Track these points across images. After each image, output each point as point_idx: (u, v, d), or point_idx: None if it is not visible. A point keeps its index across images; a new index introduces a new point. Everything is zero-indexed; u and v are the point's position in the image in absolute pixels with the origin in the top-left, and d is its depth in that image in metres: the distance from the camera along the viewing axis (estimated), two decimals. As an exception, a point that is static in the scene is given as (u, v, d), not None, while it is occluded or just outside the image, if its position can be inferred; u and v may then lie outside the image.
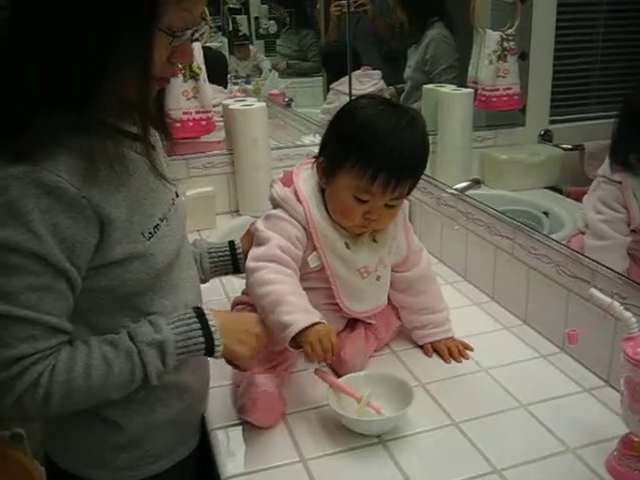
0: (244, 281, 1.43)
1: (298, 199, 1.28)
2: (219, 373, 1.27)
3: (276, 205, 1.30)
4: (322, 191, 1.29)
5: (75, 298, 0.97)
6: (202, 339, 1.05)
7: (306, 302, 1.20)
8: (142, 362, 0.99)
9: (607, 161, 1.40)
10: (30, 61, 0.90)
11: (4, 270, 0.90)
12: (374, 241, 1.32)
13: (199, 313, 1.07)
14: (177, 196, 1.14)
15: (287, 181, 1.32)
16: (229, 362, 1.15)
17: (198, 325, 1.05)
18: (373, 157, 1.19)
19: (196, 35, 1.04)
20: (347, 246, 1.29)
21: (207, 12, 2.08)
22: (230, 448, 1.16)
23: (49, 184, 0.89)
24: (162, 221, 1.05)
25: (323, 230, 1.27)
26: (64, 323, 0.96)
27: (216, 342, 1.06)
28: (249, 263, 1.25)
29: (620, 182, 1.38)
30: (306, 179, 1.31)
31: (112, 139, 0.95)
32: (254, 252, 1.26)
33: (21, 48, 0.90)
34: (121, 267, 0.99)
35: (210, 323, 1.06)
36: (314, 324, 1.15)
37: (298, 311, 1.17)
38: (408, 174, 1.22)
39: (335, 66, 2.74)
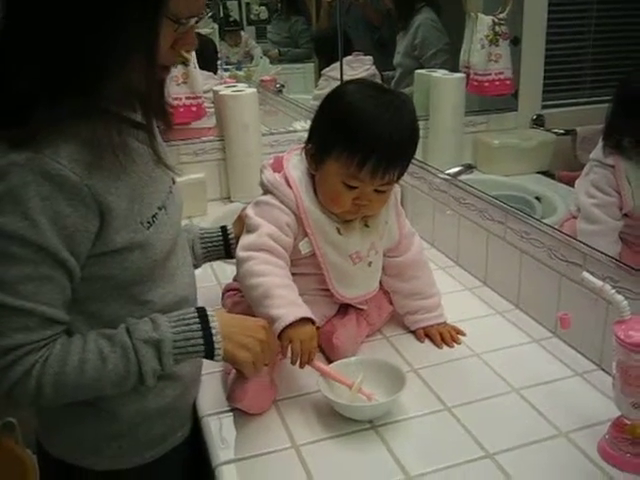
0: (235, 267, 1.43)
1: (288, 185, 1.27)
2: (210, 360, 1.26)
3: (266, 191, 1.29)
4: (312, 177, 1.28)
5: (73, 288, 0.97)
6: (201, 341, 1.03)
7: (295, 295, 1.20)
8: (137, 360, 0.98)
9: (600, 145, 1.40)
10: (35, 48, 0.89)
11: (2, 258, 0.89)
12: (366, 226, 1.31)
13: (202, 314, 1.05)
14: (174, 183, 1.13)
15: (277, 166, 1.31)
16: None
17: (199, 326, 1.03)
18: (361, 143, 1.18)
19: (201, 22, 1.03)
20: (338, 231, 1.28)
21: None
22: (222, 435, 1.15)
23: (51, 171, 0.88)
24: (161, 210, 1.04)
25: (314, 216, 1.26)
26: (60, 314, 0.95)
27: (216, 345, 1.04)
28: (239, 252, 1.24)
29: (613, 166, 1.38)
30: (296, 164, 1.30)
31: (115, 127, 0.94)
32: (244, 240, 1.25)
33: (25, 35, 0.89)
34: (120, 256, 0.99)
35: (211, 325, 1.04)
36: (302, 321, 1.14)
37: (286, 305, 1.16)
38: (397, 159, 1.21)
39: (327, 52, 2.73)
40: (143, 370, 0.98)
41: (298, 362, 1.16)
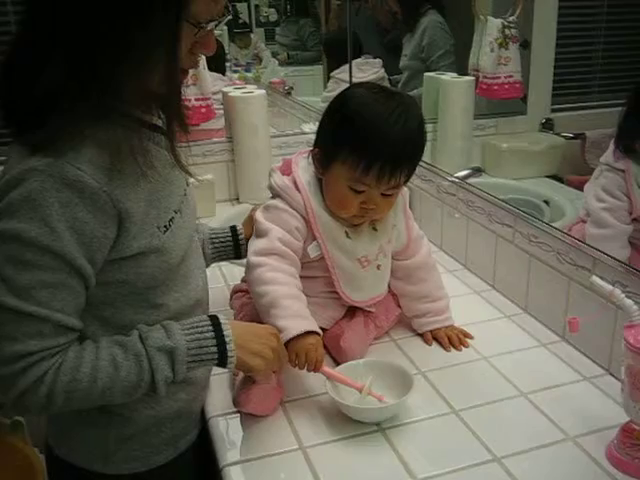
0: (244, 269, 1.43)
1: (297, 188, 1.27)
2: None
3: (275, 194, 1.29)
4: (321, 180, 1.28)
5: (87, 294, 0.96)
6: (215, 349, 1.03)
7: (302, 306, 1.21)
8: (151, 368, 0.97)
9: (611, 149, 1.39)
10: (55, 52, 0.89)
11: (18, 264, 0.89)
12: (374, 229, 1.31)
13: (215, 322, 1.04)
14: (187, 186, 1.13)
15: (286, 170, 1.31)
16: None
17: (212, 334, 1.03)
18: (366, 148, 1.17)
19: (220, 26, 1.02)
20: (347, 235, 1.28)
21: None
22: (229, 436, 1.16)
23: (71, 177, 0.88)
24: (177, 213, 1.04)
25: (323, 219, 1.26)
26: (74, 321, 0.95)
27: (229, 354, 1.04)
28: (251, 257, 1.24)
29: (623, 170, 1.37)
30: (305, 168, 1.30)
31: (135, 131, 0.94)
32: (255, 245, 1.25)
33: (46, 39, 0.90)
34: (136, 261, 0.99)
35: (225, 333, 1.04)
36: (307, 333, 1.16)
37: (292, 316, 1.17)
38: (403, 164, 1.20)
39: (337, 54, 2.73)
40: (156, 378, 0.98)
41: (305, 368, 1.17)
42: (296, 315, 1.18)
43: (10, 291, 0.89)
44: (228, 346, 1.03)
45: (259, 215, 1.28)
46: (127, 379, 0.96)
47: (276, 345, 1.11)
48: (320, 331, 1.20)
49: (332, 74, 2.74)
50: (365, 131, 1.17)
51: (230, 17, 1.05)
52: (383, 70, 2.53)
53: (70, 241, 0.89)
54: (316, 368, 1.17)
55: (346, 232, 1.28)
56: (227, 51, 3.28)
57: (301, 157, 1.32)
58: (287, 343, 1.15)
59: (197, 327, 1.03)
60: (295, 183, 1.27)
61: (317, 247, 1.27)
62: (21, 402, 0.93)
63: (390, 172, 1.18)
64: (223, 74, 2.92)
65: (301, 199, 1.26)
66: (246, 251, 1.34)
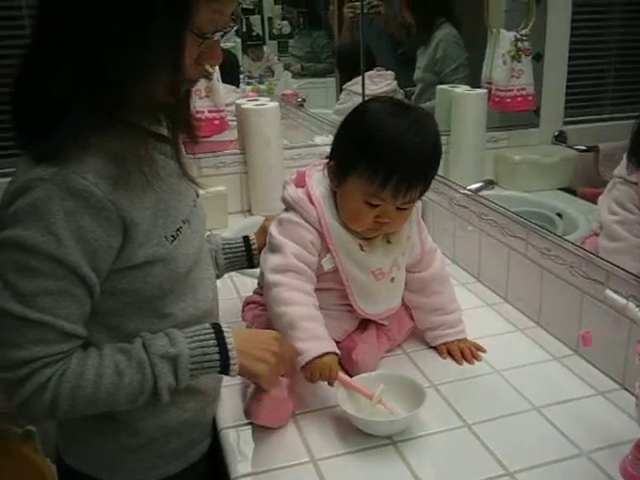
0: (256, 280, 1.44)
1: (311, 201, 1.27)
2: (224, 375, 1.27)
3: (289, 207, 1.29)
4: (335, 193, 1.28)
5: (92, 303, 0.97)
6: (217, 356, 1.03)
7: (319, 327, 1.21)
8: (153, 375, 0.98)
9: (624, 162, 1.38)
10: (61, 62, 0.90)
11: (22, 271, 0.90)
12: (388, 242, 1.31)
13: (217, 329, 1.05)
14: (197, 197, 1.13)
15: (300, 182, 1.31)
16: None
17: (215, 342, 1.03)
18: (383, 163, 1.17)
19: (226, 36, 1.03)
20: (361, 248, 1.28)
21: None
22: (240, 448, 1.15)
23: (76, 187, 0.89)
24: (185, 224, 1.04)
25: (336, 232, 1.26)
26: (78, 328, 0.95)
27: (232, 361, 1.04)
28: (267, 275, 1.24)
29: (636, 183, 1.36)
30: (319, 180, 1.29)
31: (141, 141, 0.95)
32: (270, 262, 1.25)
33: (52, 49, 0.91)
34: (142, 270, 0.99)
35: (227, 341, 1.04)
36: (324, 354, 1.17)
37: (310, 339, 1.18)
38: (419, 179, 1.21)
39: (349, 66, 2.74)
40: (158, 385, 0.98)
41: None
42: (315, 337, 1.19)
43: (14, 297, 0.90)
44: (230, 353, 1.04)
45: (273, 229, 1.28)
46: (130, 386, 0.97)
47: (278, 350, 1.11)
48: (337, 350, 1.21)
49: (344, 86, 2.74)
50: (383, 145, 1.17)
51: (236, 27, 1.06)
52: (395, 82, 2.53)
53: (74, 249, 0.90)
54: (330, 383, 1.18)
55: (360, 245, 1.28)
56: (241, 64, 3.29)
57: (315, 170, 1.32)
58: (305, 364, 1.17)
59: (199, 335, 1.03)
60: (309, 196, 1.27)
61: (331, 260, 1.27)
62: (26, 408, 0.94)
63: (407, 187, 1.18)
64: (237, 86, 2.93)
65: (315, 212, 1.26)
66: (259, 261, 1.36)
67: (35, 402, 0.93)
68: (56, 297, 0.91)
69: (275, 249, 1.26)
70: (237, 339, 1.06)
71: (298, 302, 1.22)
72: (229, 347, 1.04)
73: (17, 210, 0.89)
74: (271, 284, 1.23)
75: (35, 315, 0.90)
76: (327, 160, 1.29)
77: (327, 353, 1.17)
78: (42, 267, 0.89)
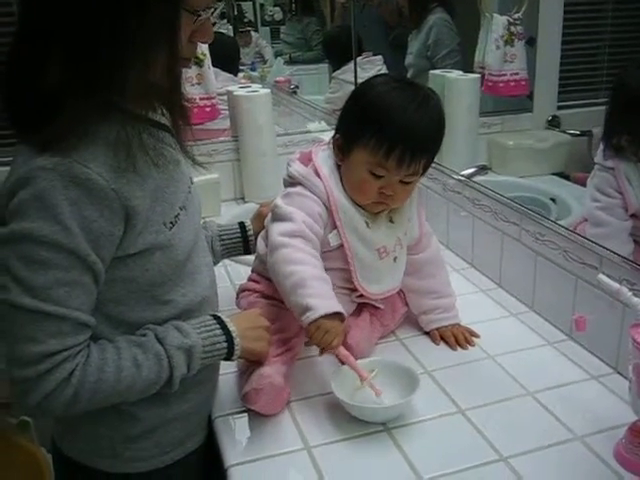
0: (249, 268, 1.43)
1: (318, 176, 1.28)
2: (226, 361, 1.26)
3: (296, 182, 1.29)
4: (340, 170, 1.29)
5: (98, 291, 0.97)
6: (225, 344, 1.08)
7: (329, 289, 1.20)
8: (170, 366, 1.01)
9: (601, 148, 1.39)
10: (55, 46, 0.89)
11: (32, 264, 0.89)
12: (391, 221, 1.32)
13: (219, 320, 1.09)
14: (192, 183, 1.13)
15: (305, 160, 1.32)
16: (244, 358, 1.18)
17: (221, 331, 1.08)
18: (388, 132, 1.19)
19: (215, 14, 1.03)
20: (367, 225, 1.28)
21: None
22: (234, 435, 1.16)
23: (79, 176, 0.88)
24: (182, 210, 1.04)
25: (344, 208, 1.27)
26: (90, 318, 0.95)
27: (236, 347, 1.10)
28: (276, 238, 1.22)
29: (612, 168, 1.37)
30: (324, 159, 1.31)
31: (140, 128, 0.94)
32: (279, 227, 1.24)
33: (46, 33, 0.89)
34: (143, 258, 0.99)
35: (231, 329, 1.09)
36: (333, 315, 1.14)
37: (321, 296, 1.16)
38: (423, 149, 1.22)
39: (337, 54, 2.73)
40: (174, 375, 1.01)
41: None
42: (326, 296, 1.17)
43: (26, 292, 0.89)
44: (235, 340, 1.09)
45: (279, 201, 1.28)
46: (148, 378, 0.99)
47: (265, 323, 1.19)
48: (345, 314, 1.18)
49: (334, 75, 2.73)
50: (388, 115, 1.19)
51: (221, 6, 1.06)
52: (385, 67, 2.52)
53: (82, 239, 0.90)
54: (325, 351, 1.15)
55: (366, 222, 1.28)
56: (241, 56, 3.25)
57: (320, 149, 1.33)
58: (313, 321, 1.13)
59: (206, 325, 1.07)
60: (316, 171, 1.28)
61: (337, 235, 1.28)
62: (46, 404, 0.93)
63: (410, 157, 1.20)
64: (235, 75, 2.91)
65: (322, 186, 1.26)
66: (254, 247, 1.39)
67: (57, 397, 0.93)
68: (68, 288, 0.91)
69: (284, 218, 1.24)
70: (235, 325, 1.11)
71: (308, 262, 1.20)
72: (233, 335, 1.09)
73: (21, 202, 0.88)
74: (279, 245, 1.21)
75: (51, 308, 0.89)
76: (333, 135, 1.30)
77: (337, 313, 1.15)
78: (53, 258, 0.89)
